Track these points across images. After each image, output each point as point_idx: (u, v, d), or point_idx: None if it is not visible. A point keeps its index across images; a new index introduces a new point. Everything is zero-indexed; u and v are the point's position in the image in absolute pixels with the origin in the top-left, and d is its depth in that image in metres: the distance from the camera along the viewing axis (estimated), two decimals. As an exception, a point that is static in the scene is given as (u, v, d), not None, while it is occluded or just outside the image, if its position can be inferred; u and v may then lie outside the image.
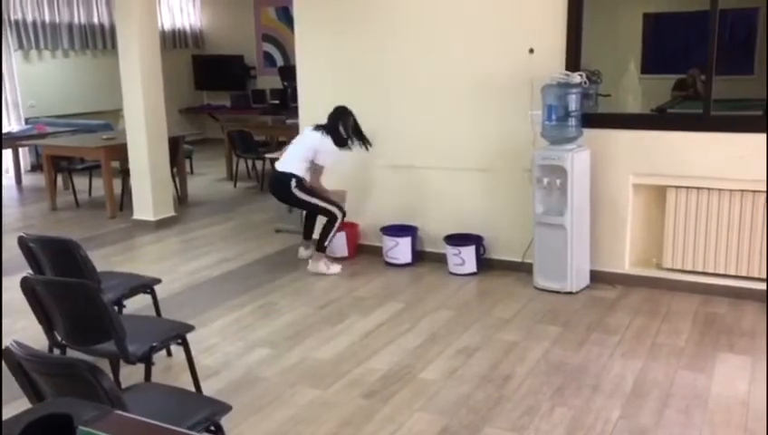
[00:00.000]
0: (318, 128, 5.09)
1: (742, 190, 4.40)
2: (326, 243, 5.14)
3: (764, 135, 4.25)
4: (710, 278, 4.56)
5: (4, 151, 9.25)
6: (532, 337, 3.98)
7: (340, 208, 5.13)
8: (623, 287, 4.71)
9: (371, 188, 5.55)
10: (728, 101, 5.20)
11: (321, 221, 5.26)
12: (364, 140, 5.15)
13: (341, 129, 5.06)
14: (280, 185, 5.14)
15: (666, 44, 6.97)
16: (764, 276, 4.38)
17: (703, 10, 4.35)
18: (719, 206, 4.47)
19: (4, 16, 9.55)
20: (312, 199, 5.10)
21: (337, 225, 5.11)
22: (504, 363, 3.66)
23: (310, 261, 5.20)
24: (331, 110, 5.11)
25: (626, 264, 4.80)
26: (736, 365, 3.60)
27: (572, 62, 4.65)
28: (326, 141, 5.03)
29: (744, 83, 6.34)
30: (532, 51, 4.70)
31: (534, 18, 4.74)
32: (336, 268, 5.16)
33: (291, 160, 5.13)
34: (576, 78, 4.46)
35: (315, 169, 5.11)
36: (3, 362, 2.07)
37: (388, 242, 5.29)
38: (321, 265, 5.13)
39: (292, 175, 5.06)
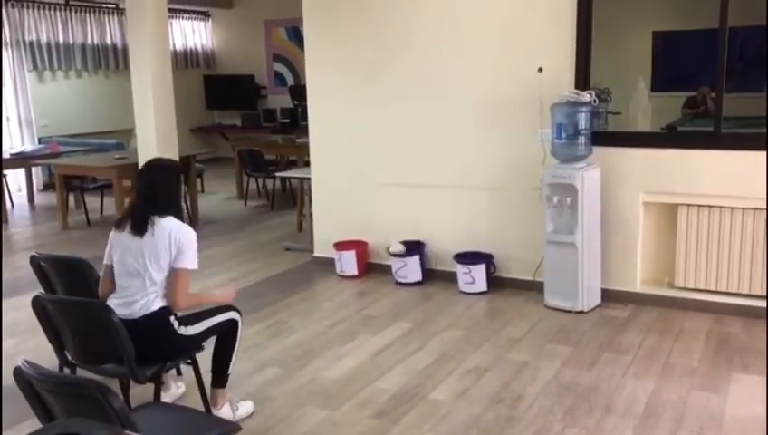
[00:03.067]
0: (148, 221, 2.98)
1: (754, 208, 4.37)
2: (230, 370, 3.31)
3: (766, 153, 4.23)
4: (723, 297, 4.52)
5: (18, 171, 9.34)
6: (543, 357, 3.95)
7: (232, 307, 3.30)
8: (635, 306, 4.68)
9: (380, 206, 5.55)
10: (739, 118, 5.18)
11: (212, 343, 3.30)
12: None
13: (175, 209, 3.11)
14: (150, 335, 2.94)
15: (675, 62, 6.97)
16: (766, 294, 4.34)
17: (712, 28, 4.35)
18: (731, 224, 4.44)
19: (20, 38, 9.68)
20: (204, 324, 3.13)
21: (240, 331, 3.29)
22: (515, 383, 3.63)
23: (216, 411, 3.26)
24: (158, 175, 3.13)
25: (637, 282, 4.76)
26: (751, 385, 3.56)
27: (582, 81, 4.65)
28: (183, 228, 3.04)
29: (756, 101, 6.31)
30: (541, 69, 4.71)
31: (544, 37, 4.76)
32: (248, 407, 3.37)
33: (144, 292, 2.97)
34: (585, 96, 4.46)
35: (179, 279, 2.99)
36: (14, 382, 2.07)
37: (396, 262, 5.27)
38: (227, 408, 3.28)
39: (163, 311, 2.99)
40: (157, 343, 2.96)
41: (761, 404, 3.35)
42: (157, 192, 3.05)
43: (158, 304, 2.97)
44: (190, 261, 2.99)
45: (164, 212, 3.00)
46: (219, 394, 3.28)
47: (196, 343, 3.12)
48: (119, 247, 3.04)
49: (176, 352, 3.05)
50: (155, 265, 2.95)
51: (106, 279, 3.10)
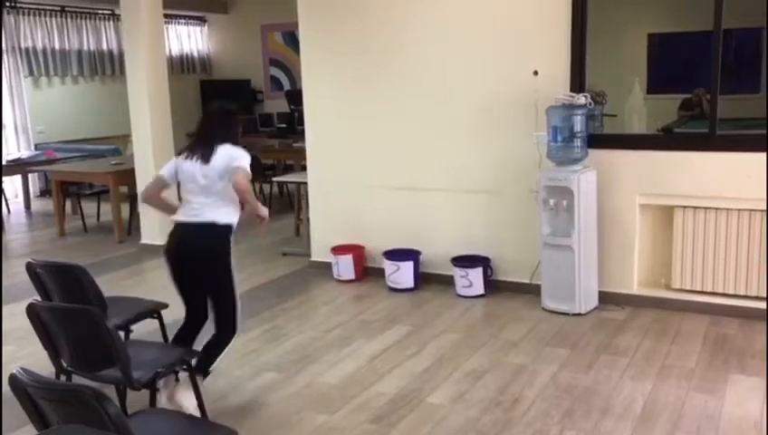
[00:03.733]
0: (212, 150, 3.39)
1: (750, 210, 4.37)
2: (214, 365, 3.46)
3: (766, 154, 4.24)
4: (720, 299, 4.52)
5: (14, 177, 9.33)
6: (541, 360, 3.95)
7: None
8: (632, 308, 4.68)
9: (377, 210, 5.55)
10: (735, 120, 5.19)
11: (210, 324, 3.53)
12: None
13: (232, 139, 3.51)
14: (205, 241, 3.39)
15: (671, 64, 6.99)
16: (766, 296, 4.35)
17: (707, 30, 4.36)
18: (727, 225, 4.45)
19: (15, 44, 9.68)
20: (232, 293, 3.48)
21: (231, 342, 3.49)
22: (513, 387, 3.63)
23: (181, 392, 3.29)
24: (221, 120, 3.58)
25: (634, 284, 4.77)
26: (748, 387, 3.56)
27: (577, 84, 4.66)
28: (237, 149, 3.45)
29: (751, 102, 6.34)
30: (536, 73, 4.72)
31: (539, 40, 4.77)
32: (192, 404, 3.22)
33: (210, 207, 3.39)
34: (581, 99, 4.47)
35: (237, 174, 3.32)
36: (10, 389, 2.06)
37: (389, 266, 5.27)
38: (188, 399, 3.23)
39: (225, 226, 3.42)
40: (210, 251, 3.40)
41: (758, 405, 3.35)
42: (218, 127, 3.49)
43: (221, 219, 3.39)
44: (245, 164, 3.35)
45: (223, 142, 3.41)
46: (186, 386, 3.23)
47: (229, 277, 3.46)
48: (186, 172, 3.41)
49: (220, 265, 3.42)
50: (219, 181, 3.34)
51: (155, 188, 3.56)
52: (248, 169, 3.35)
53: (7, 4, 9.44)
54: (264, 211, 3.47)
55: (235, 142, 3.47)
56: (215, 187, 3.36)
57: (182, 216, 3.45)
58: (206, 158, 3.36)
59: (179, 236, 3.44)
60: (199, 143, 3.45)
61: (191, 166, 3.39)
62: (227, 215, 3.41)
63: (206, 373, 3.43)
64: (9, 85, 9.68)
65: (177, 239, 3.44)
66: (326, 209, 5.77)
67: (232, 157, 3.36)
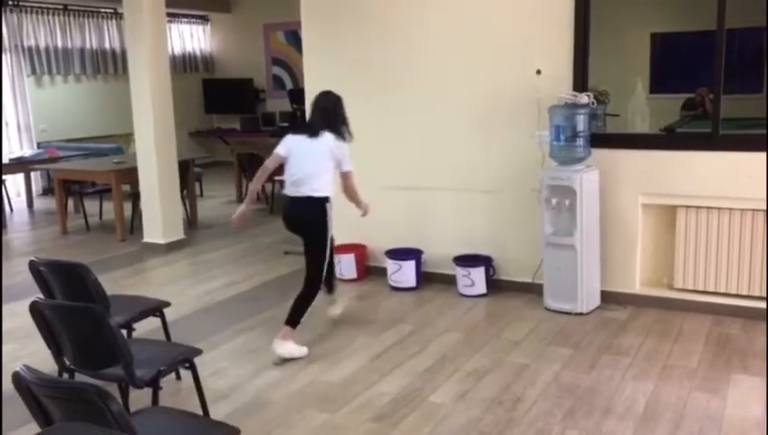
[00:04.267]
0: (316, 131, 4.09)
1: (753, 210, 4.37)
2: (303, 317, 4.13)
3: (766, 153, 4.23)
4: (722, 298, 4.52)
5: (17, 176, 9.34)
6: (543, 359, 3.95)
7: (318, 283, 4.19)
8: (634, 308, 4.68)
9: (379, 209, 5.53)
10: (737, 120, 5.18)
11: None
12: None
13: (343, 125, 4.19)
14: (311, 209, 4.05)
15: (674, 64, 6.98)
16: (766, 296, 4.35)
17: (710, 30, 4.36)
18: (730, 225, 4.44)
19: (18, 42, 9.69)
20: (329, 242, 4.17)
21: (315, 296, 4.20)
22: (515, 386, 3.63)
23: (277, 341, 4.06)
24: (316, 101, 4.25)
25: (636, 284, 4.76)
26: (750, 387, 3.56)
27: (580, 83, 4.66)
28: (340, 143, 4.10)
29: (754, 102, 6.32)
30: (539, 72, 4.72)
31: (542, 39, 4.77)
32: (304, 350, 4.11)
33: (314, 179, 4.03)
34: (583, 98, 4.47)
35: (345, 178, 4.21)
36: (13, 387, 2.07)
37: (391, 265, 5.27)
38: (292, 346, 4.07)
39: (324, 198, 4.06)
40: (312, 216, 4.05)
41: (760, 405, 3.35)
42: (325, 112, 4.16)
43: (321, 191, 4.01)
44: (348, 165, 4.15)
45: (328, 128, 4.08)
46: (287, 330, 4.05)
47: (325, 239, 4.11)
48: (296, 146, 4.08)
49: (319, 228, 4.07)
50: (320, 164, 4.02)
51: (273, 164, 4.12)
52: (352, 168, 4.18)
53: (10, 2, 9.45)
54: (367, 205, 4.42)
55: (338, 131, 4.11)
56: (319, 165, 4.03)
57: (290, 188, 4.08)
58: (314, 137, 4.05)
59: (289, 206, 4.12)
60: (307, 127, 4.20)
61: (301, 144, 4.07)
62: (326, 189, 4.05)
63: (294, 326, 4.07)
64: (12, 84, 9.70)
65: (287, 209, 4.15)
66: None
67: (337, 152, 4.07)
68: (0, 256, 6.01)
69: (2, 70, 9.30)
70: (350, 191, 4.27)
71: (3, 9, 9.11)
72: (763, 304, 4.39)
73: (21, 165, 8.76)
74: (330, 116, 4.13)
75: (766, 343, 4.02)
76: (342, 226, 5.66)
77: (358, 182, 4.26)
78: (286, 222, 4.19)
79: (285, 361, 4.01)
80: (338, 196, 5.70)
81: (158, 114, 6.50)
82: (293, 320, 4.08)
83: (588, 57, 4.67)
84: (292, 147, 4.09)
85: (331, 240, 4.21)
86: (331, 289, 4.66)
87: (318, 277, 4.13)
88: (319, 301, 4.28)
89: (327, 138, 4.05)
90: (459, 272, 5.08)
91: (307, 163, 4.03)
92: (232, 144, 10.49)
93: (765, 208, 4.31)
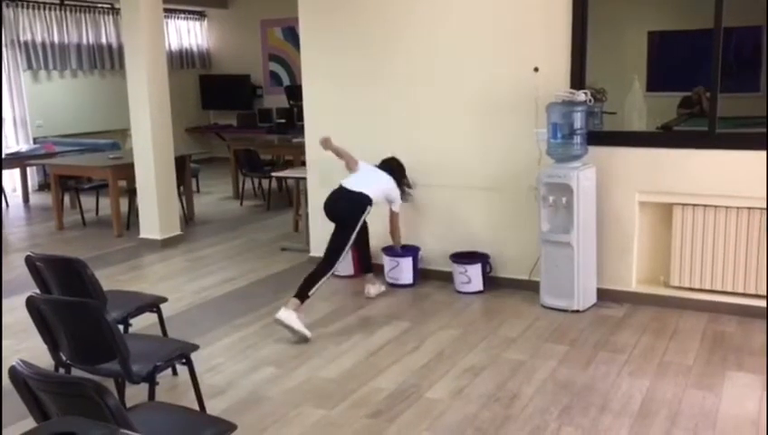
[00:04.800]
0: (386, 171, 4.97)
1: (749, 208, 4.38)
2: (312, 291, 4.48)
3: (766, 152, 4.25)
4: (718, 296, 4.53)
5: (13, 171, 9.32)
6: (539, 356, 3.96)
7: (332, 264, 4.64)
8: (630, 305, 4.69)
9: (376, 206, 5.53)
10: (734, 118, 5.19)
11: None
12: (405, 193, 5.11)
13: (403, 181, 5.08)
14: (353, 203, 4.71)
15: (671, 62, 6.99)
16: (766, 294, 4.36)
17: (707, 28, 4.36)
18: (726, 223, 4.46)
19: (15, 37, 9.66)
20: (354, 234, 4.68)
21: (328, 275, 4.59)
22: (511, 383, 3.64)
23: (282, 308, 4.34)
24: (387, 158, 5.07)
25: (633, 282, 4.77)
26: (745, 384, 3.57)
27: (577, 81, 4.66)
28: (396, 187, 4.94)
29: (750, 101, 6.33)
30: (536, 69, 4.72)
31: (539, 37, 4.77)
32: (304, 330, 4.31)
33: (368, 185, 4.77)
34: (581, 96, 4.47)
35: (393, 216, 5.02)
36: (9, 381, 2.06)
37: (388, 262, 5.27)
38: (294, 318, 4.30)
39: (370, 199, 4.73)
40: (356, 208, 4.70)
41: (755, 402, 3.37)
42: (391, 166, 5.04)
43: (371, 195, 4.73)
44: (398, 207, 4.99)
45: (392, 175, 4.97)
46: (295, 302, 4.36)
47: (353, 228, 4.66)
48: (368, 165, 4.96)
49: (354, 219, 4.67)
50: (379, 183, 4.85)
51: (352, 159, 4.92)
52: (400, 211, 5.04)
53: (6, -3, 9.42)
54: (399, 242, 5.20)
55: (399, 181, 4.99)
56: (379, 183, 4.86)
57: (349, 182, 4.79)
58: (382, 169, 4.98)
59: (338, 195, 4.77)
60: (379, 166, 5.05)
61: (372, 167, 4.98)
62: (374, 196, 4.76)
63: (303, 299, 4.37)
64: (8, 79, 9.67)
65: (336, 196, 4.78)
66: (325, 205, 5.76)
67: (393, 193, 4.94)
68: (0, 252, 6.00)
69: (2, 65, 9.28)
70: (393, 226, 5.04)
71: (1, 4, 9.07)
72: (758, 302, 4.40)
73: (17, 160, 8.75)
74: (395, 171, 4.99)
75: (766, 341, 4.03)
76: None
77: (400, 223, 5.07)
78: (330, 206, 4.77)
79: (280, 357, 4.01)
80: (330, 183, 5.72)
81: (154, 110, 6.49)
82: (302, 293, 4.38)
83: (585, 55, 4.68)
84: (364, 164, 4.95)
85: (365, 227, 4.92)
86: (369, 269, 5.19)
87: (335, 257, 4.56)
88: (348, 287, 4.85)
89: (390, 177, 4.93)
90: (456, 269, 5.08)
91: (371, 176, 4.87)
92: (229, 140, 10.48)
93: (765, 207, 4.31)
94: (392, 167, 5.00)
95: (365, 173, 4.87)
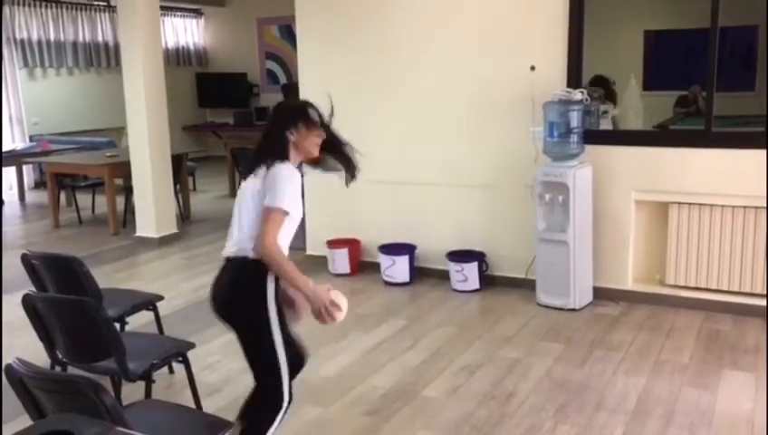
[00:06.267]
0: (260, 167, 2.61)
1: (744, 206, 4.39)
2: None
3: (766, 151, 4.25)
4: (713, 295, 4.54)
5: (8, 169, 9.30)
6: (535, 354, 3.97)
7: (287, 387, 2.66)
8: (626, 304, 4.70)
9: (373, 204, 5.55)
10: (730, 117, 5.21)
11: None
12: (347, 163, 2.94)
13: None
14: (234, 282, 2.62)
15: (667, 61, 7.00)
16: (766, 292, 4.37)
17: (703, 27, 4.37)
18: (722, 222, 4.47)
19: (11, 35, 9.63)
20: (283, 336, 2.65)
21: (280, 415, 2.62)
22: (507, 381, 3.64)
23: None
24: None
25: (629, 280, 4.78)
26: (741, 382, 3.58)
27: (574, 79, 4.67)
28: (283, 168, 2.57)
29: (746, 100, 6.35)
30: (533, 68, 4.72)
31: (536, 36, 4.77)
32: None
33: (237, 225, 2.61)
34: (577, 95, 4.48)
35: (265, 216, 2.50)
36: (4, 379, 2.06)
37: (385, 260, 5.27)
38: None
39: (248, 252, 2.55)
40: (243, 296, 2.57)
41: (750, 400, 3.38)
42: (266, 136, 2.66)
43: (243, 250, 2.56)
44: (272, 199, 2.48)
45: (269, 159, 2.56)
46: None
47: (268, 335, 2.56)
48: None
49: (249, 322, 2.59)
50: (245, 219, 2.58)
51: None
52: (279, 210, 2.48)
53: (2, -6, 9.39)
54: (322, 296, 2.59)
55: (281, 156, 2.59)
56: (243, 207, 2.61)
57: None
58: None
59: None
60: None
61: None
62: (247, 240, 2.56)
63: None
64: (4, 76, 9.64)
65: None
66: (321, 203, 5.77)
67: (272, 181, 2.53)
68: (0, 249, 5.97)
69: (3, 62, 9.26)
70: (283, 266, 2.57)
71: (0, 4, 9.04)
72: (753, 301, 4.41)
73: (13, 158, 8.72)
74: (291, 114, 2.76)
75: (766, 340, 4.03)
76: (336, 221, 5.69)
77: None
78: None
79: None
80: (333, 189, 5.73)
81: (151, 108, 6.48)
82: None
83: (582, 53, 4.68)
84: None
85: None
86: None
87: (277, 390, 2.60)
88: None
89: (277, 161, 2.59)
90: (452, 267, 5.08)
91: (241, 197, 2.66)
92: (225, 138, 10.48)
93: (761, 206, 4.32)
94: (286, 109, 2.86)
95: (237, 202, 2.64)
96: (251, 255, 2.53)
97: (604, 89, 5.05)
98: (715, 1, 4.28)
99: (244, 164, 8.43)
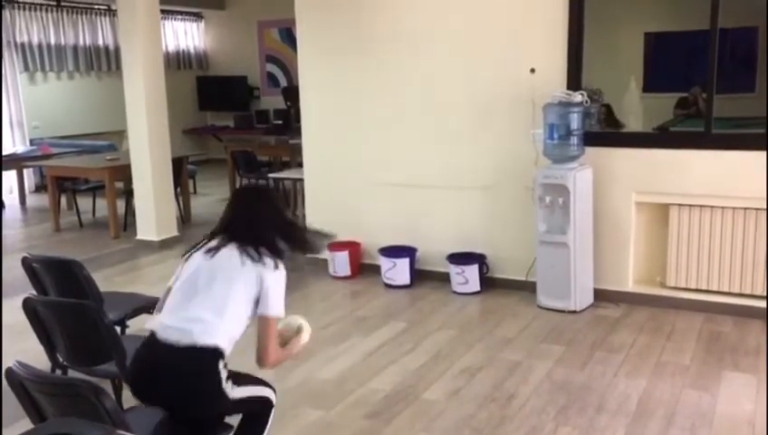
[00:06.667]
0: (247, 250, 2.49)
1: (744, 208, 4.39)
2: None
3: (766, 153, 4.25)
4: (714, 296, 4.54)
5: (9, 172, 9.30)
6: (536, 356, 3.96)
7: (269, 384, 2.68)
8: (627, 306, 4.69)
9: (373, 207, 5.55)
10: (730, 119, 5.21)
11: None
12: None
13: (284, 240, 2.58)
14: (192, 379, 2.36)
15: (667, 63, 7.01)
16: (767, 294, 4.36)
17: (703, 29, 4.38)
18: (722, 224, 4.47)
19: (11, 39, 9.64)
20: (249, 390, 2.55)
21: (272, 417, 2.64)
22: (508, 383, 3.64)
23: None
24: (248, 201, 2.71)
25: (629, 282, 4.78)
26: (742, 384, 3.58)
27: (573, 82, 4.67)
28: (278, 273, 2.52)
29: (746, 102, 6.35)
30: (533, 70, 4.73)
31: (536, 38, 4.78)
32: None
33: (208, 320, 2.38)
34: (577, 97, 4.48)
35: (264, 326, 2.52)
36: (5, 383, 2.06)
37: (385, 263, 5.27)
38: None
39: (216, 352, 2.38)
40: (206, 390, 2.38)
41: (751, 402, 3.37)
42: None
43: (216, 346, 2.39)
44: (275, 307, 2.53)
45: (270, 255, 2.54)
46: None
47: (234, 411, 2.51)
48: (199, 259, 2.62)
49: (209, 410, 2.44)
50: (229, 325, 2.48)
51: None
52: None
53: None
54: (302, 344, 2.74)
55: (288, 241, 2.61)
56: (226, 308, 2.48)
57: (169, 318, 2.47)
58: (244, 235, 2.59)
59: (151, 360, 2.44)
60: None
61: None
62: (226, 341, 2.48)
63: None
64: (5, 80, 9.65)
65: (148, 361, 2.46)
66: (322, 206, 5.77)
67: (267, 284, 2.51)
68: (0, 252, 5.97)
69: (4, 66, 9.27)
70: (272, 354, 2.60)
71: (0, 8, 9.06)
72: (754, 302, 4.41)
73: (13, 162, 8.73)
74: (277, 228, 2.62)
75: (766, 341, 4.03)
76: (337, 223, 5.67)
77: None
78: (140, 382, 2.44)
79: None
80: (334, 192, 5.73)
81: (151, 111, 6.48)
82: None
83: (581, 56, 4.68)
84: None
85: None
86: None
87: (266, 401, 2.61)
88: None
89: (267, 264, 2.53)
90: (453, 270, 5.08)
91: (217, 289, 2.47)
92: (226, 141, 10.48)
93: (761, 207, 4.32)
94: (264, 221, 2.58)
95: (194, 290, 2.44)
96: (222, 344, 2.39)
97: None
98: (715, 2, 4.29)
99: (245, 166, 8.14)
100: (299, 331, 2.71)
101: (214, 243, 2.57)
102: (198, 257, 2.53)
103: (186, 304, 2.40)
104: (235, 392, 2.43)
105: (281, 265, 2.52)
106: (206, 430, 2.47)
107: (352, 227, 5.58)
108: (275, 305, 2.50)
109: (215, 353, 2.36)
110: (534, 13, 4.76)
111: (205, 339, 2.33)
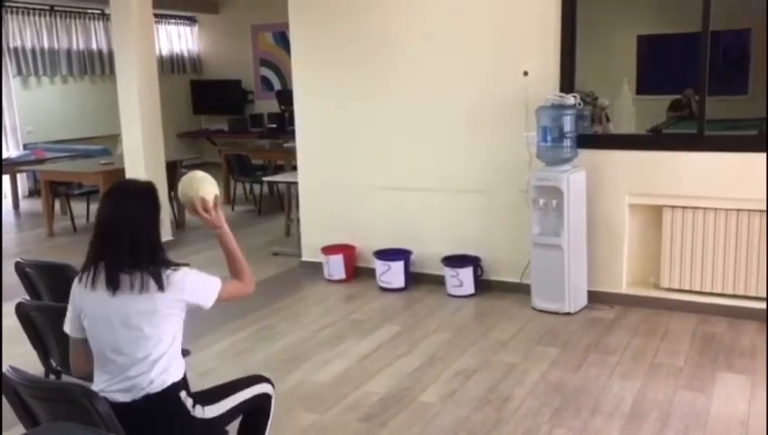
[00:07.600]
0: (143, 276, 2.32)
1: (738, 210, 4.41)
2: None
3: (759, 154, 4.27)
4: (708, 298, 4.55)
5: (2, 177, 9.28)
6: (531, 358, 3.97)
7: (263, 377, 2.69)
8: (621, 308, 4.70)
9: (368, 210, 5.55)
10: (723, 121, 5.24)
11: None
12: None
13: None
14: (163, 421, 2.30)
15: (660, 65, 7.04)
16: (763, 295, 4.38)
17: (696, 32, 4.40)
18: (715, 225, 4.48)
19: (4, 43, 9.62)
20: (228, 402, 2.51)
21: (273, 409, 2.66)
22: (503, 385, 3.64)
23: None
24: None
25: (623, 284, 4.79)
26: (736, 385, 3.59)
27: (567, 84, 4.68)
28: (187, 277, 2.49)
29: (739, 103, 6.39)
30: (526, 73, 4.74)
31: (529, 40, 4.79)
32: None
33: (148, 367, 2.26)
34: (570, 99, 4.49)
35: (218, 303, 2.62)
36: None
37: (380, 266, 5.28)
38: None
39: (174, 386, 2.33)
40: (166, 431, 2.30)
41: (745, 403, 3.38)
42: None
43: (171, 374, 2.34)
44: (208, 294, 2.61)
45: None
46: None
47: (219, 427, 2.46)
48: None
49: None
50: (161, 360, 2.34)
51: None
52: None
53: (-4, 3, 9.39)
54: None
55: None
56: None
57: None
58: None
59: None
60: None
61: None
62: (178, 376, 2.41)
63: None
64: (-2, 85, 9.64)
65: None
66: (317, 209, 5.77)
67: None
68: (0, 255, 5.95)
69: (1, 70, 9.24)
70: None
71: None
72: (748, 303, 4.42)
73: (7, 166, 8.71)
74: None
75: (766, 343, 4.04)
76: (331, 227, 5.69)
77: None
78: None
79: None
80: (328, 195, 5.74)
81: (145, 115, 6.48)
82: None
83: (575, 58, 4.70)
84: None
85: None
86: None
87: (263, 397, 2.63)
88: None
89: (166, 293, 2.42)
90: (448, 272, 5.09)
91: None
92: (220, 145, 10.47)
93: (761, 209, 4.33)
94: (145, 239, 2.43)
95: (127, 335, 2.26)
96: (174, 376, 2.32)
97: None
98: (707, 5, 4.31)
99: (239, 170, 8.11)
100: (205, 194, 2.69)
101: (106, 271, 2.41)
102: (100, 298, 2.31)
103: (116, 364, 2.24)
104: (208, 412, 2.40)
105: (180, 268, 2.40)
106: None
107: (347, 231, 5.58)
108: (207, 296, 2.53)
109: (174, 389, 2.31)
110: (527, 16, 4.77)
111: (156, 387, 2.26)
